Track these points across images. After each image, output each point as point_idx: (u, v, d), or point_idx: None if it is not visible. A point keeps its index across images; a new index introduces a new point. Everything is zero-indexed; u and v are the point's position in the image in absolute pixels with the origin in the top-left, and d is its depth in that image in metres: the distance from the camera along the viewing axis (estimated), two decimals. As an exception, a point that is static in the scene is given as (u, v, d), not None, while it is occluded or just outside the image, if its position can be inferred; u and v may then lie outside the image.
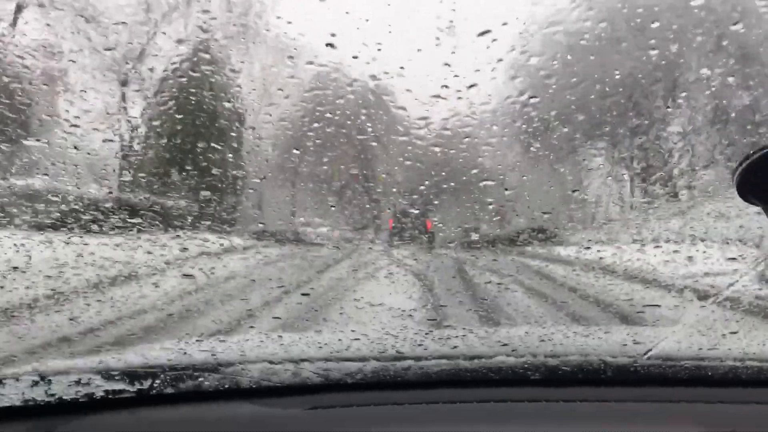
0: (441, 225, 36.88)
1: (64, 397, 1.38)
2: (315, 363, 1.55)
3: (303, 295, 8.85)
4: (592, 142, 28.98)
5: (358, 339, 1.88)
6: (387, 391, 1.52)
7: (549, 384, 1.58)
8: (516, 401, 1.50)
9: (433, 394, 1.51)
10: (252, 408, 1.44)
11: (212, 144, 29.40)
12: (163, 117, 28.99)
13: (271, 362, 1.55)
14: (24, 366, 1.58)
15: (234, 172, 31.92)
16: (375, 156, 49.22)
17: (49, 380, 1.41)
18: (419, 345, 1.83)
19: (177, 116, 28.14)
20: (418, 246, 24.06)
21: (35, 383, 1.40)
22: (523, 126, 26.87)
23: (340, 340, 1.96)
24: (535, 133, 28.14)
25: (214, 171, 28.79)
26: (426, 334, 2.12)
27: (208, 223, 28.74)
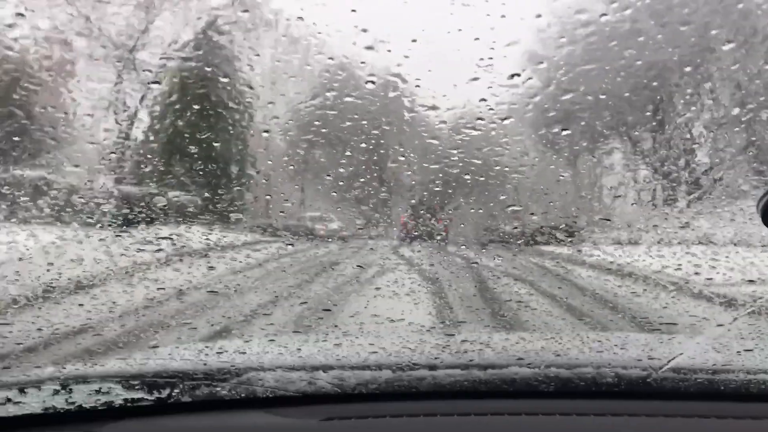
0: (455, 223, 36.08)
1: (84, 405, 1.38)
2: (330, 372, 1.53)
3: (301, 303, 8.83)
4: (614, 139, 28.17)
5: (374, 348, 1.84)
6: (401, 401, 1.51)
7: (563, 396, 1.55)
8: (529, 414, 1.47)
9: (447, 405, 1.49)
10: (267, 417, 1.43)
11: (217, 135, 28.61)
12: (165, 107, 28.28)
13: (286, 370, 1.54)
14: (45, 372, 1.58)
15: (240, 166, 31.13)
16: (389, 154, 48.37)
17: (70, 389, 1.43)
18: (435, 357, 1.78)
19: (179, 106, 27.37)
20: (431, 245, 23.08)
21: (56, 392, 1.41)
22: (543, 123, 26.02)
23: (355, 350, 1.94)
24: (555, 129, 27.32)
25: (219, 164, 28.00)
26: (443, 348, 2.05)
27: (210, 217, 27.68)
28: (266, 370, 1.60)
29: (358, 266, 13.11)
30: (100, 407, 1.44)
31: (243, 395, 1.52)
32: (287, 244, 23.62)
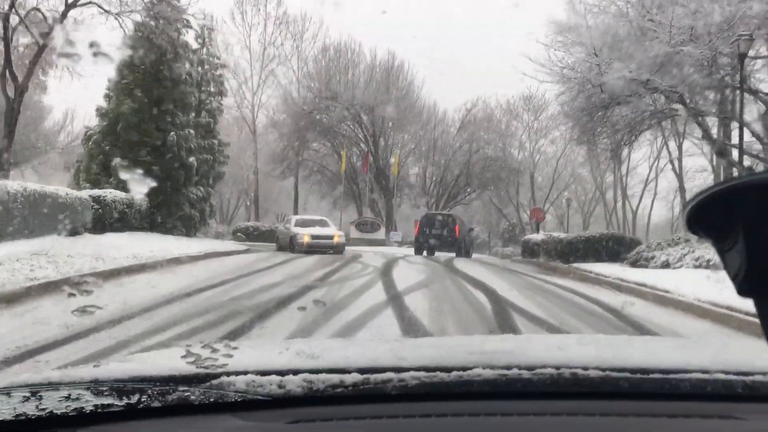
0: (469, 229, 32.20)
1: (55, 411, 1.37)
2: (299, 375, 1.52)
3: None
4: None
5: (344, 352, 1.87)
6: (367, 404, 1.52)
7: (523, 397, 1.59)
8: (489, 414, 1.52)
9: (410, 407, 1.52)
10: (235, 421, 1.42)
11: (172, 121, 23.17)
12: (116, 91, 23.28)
13: (257, 375, 1.52)
14: (15, 380, 1.57)
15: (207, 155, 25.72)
16: (390, 143, 42.92)
17: (40, 395, 1.43)
18: (400, 356, 1.79)
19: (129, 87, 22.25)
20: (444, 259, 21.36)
21: (26, 398, 1.41)
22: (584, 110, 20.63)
23: (328, 349, 1.94)
24: (588, 114, 21.97)
25: (177, 156, 22.56)
26: (410, 351, 2.02)
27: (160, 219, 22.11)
28: (237, 374, 1.52)
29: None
30: (70, 413, 1.38)
31: (213, 400, 1.47)
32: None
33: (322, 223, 25.25)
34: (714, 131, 22.87)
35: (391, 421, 1.49)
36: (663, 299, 11.12)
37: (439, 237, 27.51)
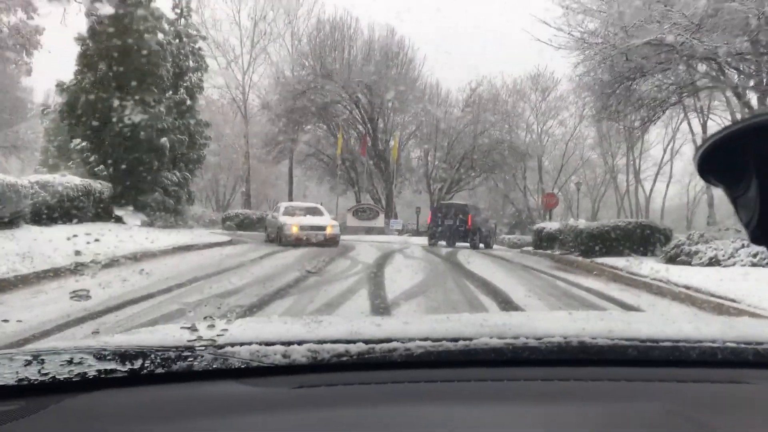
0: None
1: (58, 377, 1.37)
2: (304, 345, 1.52)
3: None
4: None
5: (350, 326, 1.80)
6: (372, 371, 1.53)
7: (530, 364, 1.59)
8: (495, 380, 1.52)
9: (415, 373, 1.52)
10: (240, 387, 1.42)
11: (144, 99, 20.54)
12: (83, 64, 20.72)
13: (261, 345, 1.51)
14: (25, 348, 1.60)
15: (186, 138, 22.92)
16: (389, 125, 40.26)
17: (42, 359, 1.41)
18: (406, 327, 1.78)
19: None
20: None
21: (28, 362, 1.40)
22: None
23: (330, 322, 1.95)
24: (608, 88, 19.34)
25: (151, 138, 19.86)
26: (415, 318, 2.22)
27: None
28: (242, 344, 1.52)
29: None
30: (74, 378, 1.38)
31: (217, 367, 1.47)
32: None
33: (314, 212, 22.62)
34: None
35: (395, 386, 1.48)
36: (731, 312, 8.58)
37: (452, 227, 26.82)
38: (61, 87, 21.19)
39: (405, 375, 1.51)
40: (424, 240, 31.96)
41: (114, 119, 20.04)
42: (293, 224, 20.22)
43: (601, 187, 54.09)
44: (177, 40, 24.37)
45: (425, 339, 1.56)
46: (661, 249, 15.38)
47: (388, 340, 1.55)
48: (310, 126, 43.50)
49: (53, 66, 24.01)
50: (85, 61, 20.74)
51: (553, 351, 1.57)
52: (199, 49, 25.97)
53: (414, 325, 1.88)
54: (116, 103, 20.30)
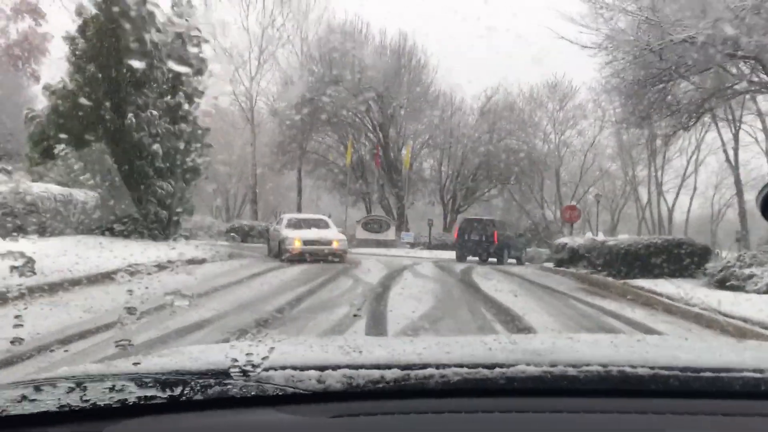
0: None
1: (98, 403, 1.40)
2: (339, 370, 1.51)
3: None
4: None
5: (384, 350, 1.86)
6: (410, 399, 1.50)
7: (569, 394, 1.55)
8: (536, 412, 1.48)
9: (454, 402, 1.49)
10: (277, 415, 1.43)
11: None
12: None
13: (296, 370, 1.51)
14: (60, 372, 1.64)
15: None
16: (401, 134, 38.74)
17: (85, 386, 1.44)
18: (441, 352, 1.76)
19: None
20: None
21: (71, 389, 1.43)
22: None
23: (368, 347, 1.90)
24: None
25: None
26: (448, 343, 1.98)
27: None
28: (276, 369, 1.52)
29: None
30: (114, 405, 1.41)
31: (253, 393, 1.46)
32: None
33: (320, 224, 20.93)
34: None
35: (436, 416, 1.46)
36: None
37: (478, 243, 26.80)
38: (47, 90, 19.79)
39: (444, 404, 1.48)
40: (437, 254, 30.50)
41: (102, 124, 18.57)
42: (296, 238, 18.61)
43: (621, 199, 52.17)
44: (177, 41, 22.93)
45: (460, 365, 1.54)
46: (701, 270, 13.67)
47: (425, 366, 1.53)
48: (320, 134, 42.00)
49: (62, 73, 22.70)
50: (74, 61, 19.32)
51: (593, 381, 1.53)
52: (200, 51, 24.50)
53: (447, 346, 1.85)
54: (105, 106, 18.85)
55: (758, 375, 1.57)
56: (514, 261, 27.55)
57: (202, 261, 17.13)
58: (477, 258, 26.72)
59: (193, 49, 23.94)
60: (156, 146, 19.45)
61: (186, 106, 23.61)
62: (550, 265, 22.86)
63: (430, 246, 36.42)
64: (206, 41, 26.02)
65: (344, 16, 40.88)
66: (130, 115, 18.86)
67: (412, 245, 35.85)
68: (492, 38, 68.64)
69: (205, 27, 40.13)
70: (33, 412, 1.37)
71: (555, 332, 6.98)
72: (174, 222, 22.05)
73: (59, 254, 12.09)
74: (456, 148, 42.73)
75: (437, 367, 1.53)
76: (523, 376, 1.53)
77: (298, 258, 17.88)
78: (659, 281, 13.45)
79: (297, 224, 20.10)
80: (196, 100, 24.86)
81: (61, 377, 1.53)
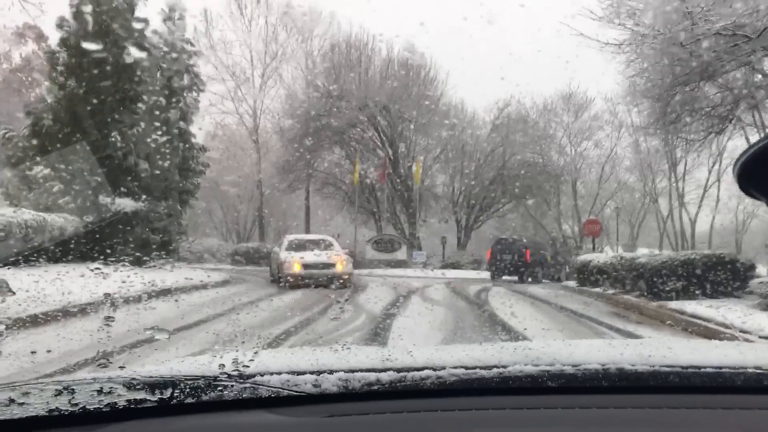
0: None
1: (88, 407, 1.37)
2: (336, 374, 1.52)
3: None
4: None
5: (381, 354, 1.82)
6: (403, 399, 1.51)
7: (567, 392, 1.55)
8: (531, 408, 1.48)
9: (449, 402, 1.49)
10: (271, 417, 1.42)
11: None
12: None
13: (292, 374, 1.52)
14: (48, 377, 2.03)
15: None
16: (411, 149, 37.31)
17: (73, 390, 1.42)
18: (438, 356, 1.72)
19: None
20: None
21: (59, 393, 1.40)
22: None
23: (361, 352, 1.92)
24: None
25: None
26: (446, 348, 2.07)
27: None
28: (272, 373, 1.53)
29: None
30: (104, 408, 1.38)
31: (247, 396, 1.46)
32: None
33: (323, 245, 19.34)
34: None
35: (429, 414, 1.44)
36: None
37: (511, 263, 27.10)
38: (26, 108, 18.53)
39: (438, 403, 1.45)
40: (451, 274, 29.20)
41: (87, 141, 17.23)
42: (294, 261, 17.08)
43: (640, 211, 50.31)
44: (169, 55, 21.64)
45: (458, 367, 1.51)
46: (743, 289, 12.06)
47: (420, 368, 1.51)
48: (327, 152, 40.57)
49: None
50: (54, 77, 18.05)
51: (591, 378, 1.52)
52: (193, 65, 23.22)
53: (446, 352, 1.81)
54: (89, 122, 17.54)
55: (760, 371, 1.54)
56: (548, 280, 27.84)
57: (195, 288, 15.71)
58: (509, 277, 26.79)
59: (186, 63, 22.68)
60: (144, 164, 18.08)
61: (181, 124, 22.32)
62: (572, 283, 21.21)
63: (443, 265, 34.84)
64: (200, 54, 24.78)
65: (349, 28, 39.30)
66: (114, 132, 17.52)
67: (425, 265, 34.28)
68: (504, 48, 67.10)
69: (205, 43, 39.05)
70: (22, 417, 1.32)
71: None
72: (167, 246, 20.64)
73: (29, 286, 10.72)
74: (468, 162, 41.12)
75: (434, 368, 1.50)
76: (519, 375, 1.50)
77: (298, 283, 16.36)
78: (703, 302, 11.85)
79: (298, 246, 18.58)
80: (192, 117, 23.57)
81: (48, 381, 1.51)
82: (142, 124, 19.14)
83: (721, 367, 1.59)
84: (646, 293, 13.65)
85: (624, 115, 44.78)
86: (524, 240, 29.87)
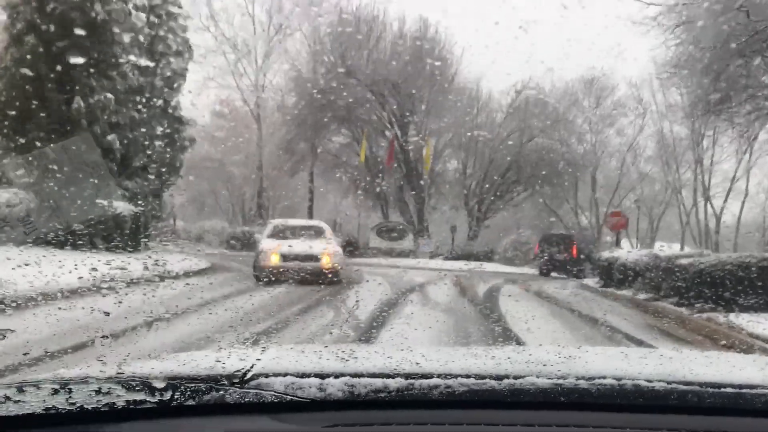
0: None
1: (86, 406, 1.35)
2: (341, 378, 1.46)
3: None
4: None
5: (388, 358, 1.75)
6: (411, 409, 1.46)
7: (580, 408, 1.48)
8: (543, 425, 1.42)
9: (458, 414, 1.44)
10: (273, 423, 1.38)
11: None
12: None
13: (296, 377, 1.46)
14: (45, 373, 1.57)
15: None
16: (422, 131, 35.22)
17: (70, 389, 1.37)
18: (447, 363, 1.68)
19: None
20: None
21: (56, 391, 1.37)
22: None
23: (369, 359, 1.84)
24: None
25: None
26: (453, 353, 2.01)
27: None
28: (276, 375, 1.47)
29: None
30: (102, 408, 1.35)
31: (249, 400, 1.42)
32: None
33: (312, 233, 16.95)
34: None
35: (436, 428, 1.41)
36: None
37: (557, 258, 27.09)
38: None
39: (446, 416, 1.42)
40: (461, 265, 27.21)
41: (46, 109, 15.10)
42: (272, 251, 14.80)
43: (662, 204, 47.81)
44: (150, 16, 19.44)
45: (467, 376, 1.48)
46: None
47: (429, 376, 1.47)
48: (332, 132, 38.27)
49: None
50: (14, 33, 15.89)
51: (605, 395, 1.47)
52: (180, 29, 21.02)
53: (456, 359, 1.79)
54: (52, 88, 15.41)
55: None
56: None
57: (164, 278, 13.60)
58: (557, 273, 26.71)
59: (170, 25, 20.54)
60: (112, 137, 15.92)
61: (165, 94, 20.21)
62: (593, 282, 18.97)
63: (453, 256, 32.63)
64: (188, 17, 22.54)
65: (358, 1, 36.73)
66: (77, 98, 15.37)
67: (433, 254, 32.09)
68: (522, 27, 64.71)
69: (205, 13, 36.91)
70: (18, 414, 1.31)
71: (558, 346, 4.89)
72: (144, 228, 18.55)
73: None
74: (482, 147, 38.66)
75: (442, 377, 1.46)
76: (531, 389, 1.46)
77: (277, 278, 14.12)
78: (758, 317, 9.64)
79: (283, 233, 16.29)
80: (178, 87, 21.43)
81: (45, 379, 1.44)
82: (118, 91, 17.01)
83: (741, 387, 1.49)
84: (689, 302, 11.40)
85: (649, 100, 42.50)
86: (572, 234, 30.11)
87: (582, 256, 26.72)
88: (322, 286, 13.78)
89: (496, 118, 40.28)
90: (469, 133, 38.11)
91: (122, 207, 16.91)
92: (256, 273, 14.87)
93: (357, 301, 11.33)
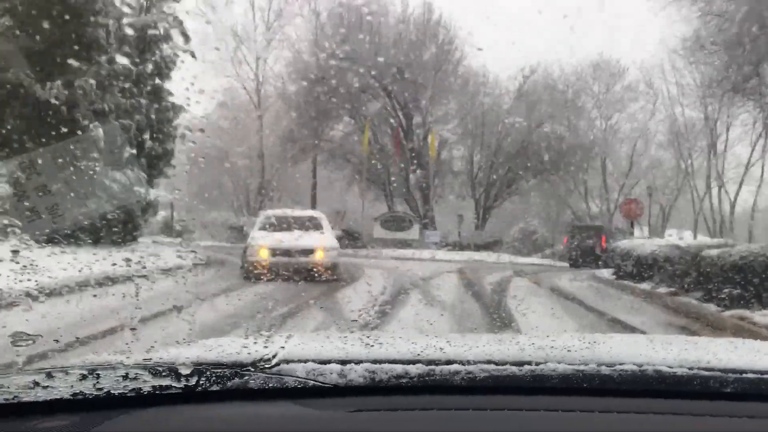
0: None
1: (113, 392, 1.37)
2: (362, 365, 1.47)
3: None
4: None
5: (409, 345, 1.73)
6: (433, 395, 1.45)
7: (602, 394, 1.47)
8: (566, 411, 1.41)
9: (480, 400, 1.43)
10: (295, 408, 1.39)
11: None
12: None
13: (318, 363, 1.48)
14: (72, 361, 1.58)
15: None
16: (427, 118, 34.29)
17: (98, 374, 1.40)
18: (471, 349, 1.69)
19: None
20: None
21: (84, 377, 1.39)
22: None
23: (389, 342, 1.85)
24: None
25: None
26: (477, 339, 1.95)
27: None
28: (298, 362, 1.49)
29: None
30: (128, 393, 1.37)
31: (272, 386, 1.44)
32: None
33: (308, 225, 15.90)
34: None
35: (459, 413, 1.39)
36: None
37: (586, 249, 27.31)
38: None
39: (469, 401, 1.42)
40: (468, 256, 26.33)
41: (18, 95, 14.16)
42: (261, 246, 13.77)
43: (674, 191, 46.63)
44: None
45: (488, 362, 1.48)
46: None
47: (450, 362, 1.48)
48: (335, 120, 37.21)
49: None
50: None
51: (627, 380, 1.46)
52: (174, 16, 20.01)
53: (480, 345, 1.78)
54: (28, 71, 14.46)
55: None
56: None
57: (146, 276, 12.66)
58: (586, 266, 26.16)
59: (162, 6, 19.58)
60: (93, 124, 14.96)
61: (156, 80, 19.28)
62: (606, 274, 17.94)
63: (460, 246, 31.64)
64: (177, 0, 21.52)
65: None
66: (57, 83, 14.41)
67: (439, 245, 31.12)
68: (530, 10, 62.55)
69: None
70: (46, 399, 1.32)
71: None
72: (132, 222, 17.63)
73: None
74: (489, 134, 37.54)
75: (463, 363, 1.46)
76: (553, 374, 1.46)
77: (266, 275, 13.10)
78: None
79: (276, 225, 15.23)
80: (170, 73, 20.48)
81: (73, 365, 1.45)
82: (102, 76, 16.04)
83: (764, 372, 1.49)
84: (717, 298, 10.37)
85: (660, 86, 41.36)
86: (601, 225, 30.24)
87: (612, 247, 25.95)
88: (316, 283, 12.82)
89: (504, 104, 39.17)
90: (475, 120, 37.07)
91: (109, 199, 16.00)
92: (244, 270, 13.87)
93: (364, 291, 10.34)
